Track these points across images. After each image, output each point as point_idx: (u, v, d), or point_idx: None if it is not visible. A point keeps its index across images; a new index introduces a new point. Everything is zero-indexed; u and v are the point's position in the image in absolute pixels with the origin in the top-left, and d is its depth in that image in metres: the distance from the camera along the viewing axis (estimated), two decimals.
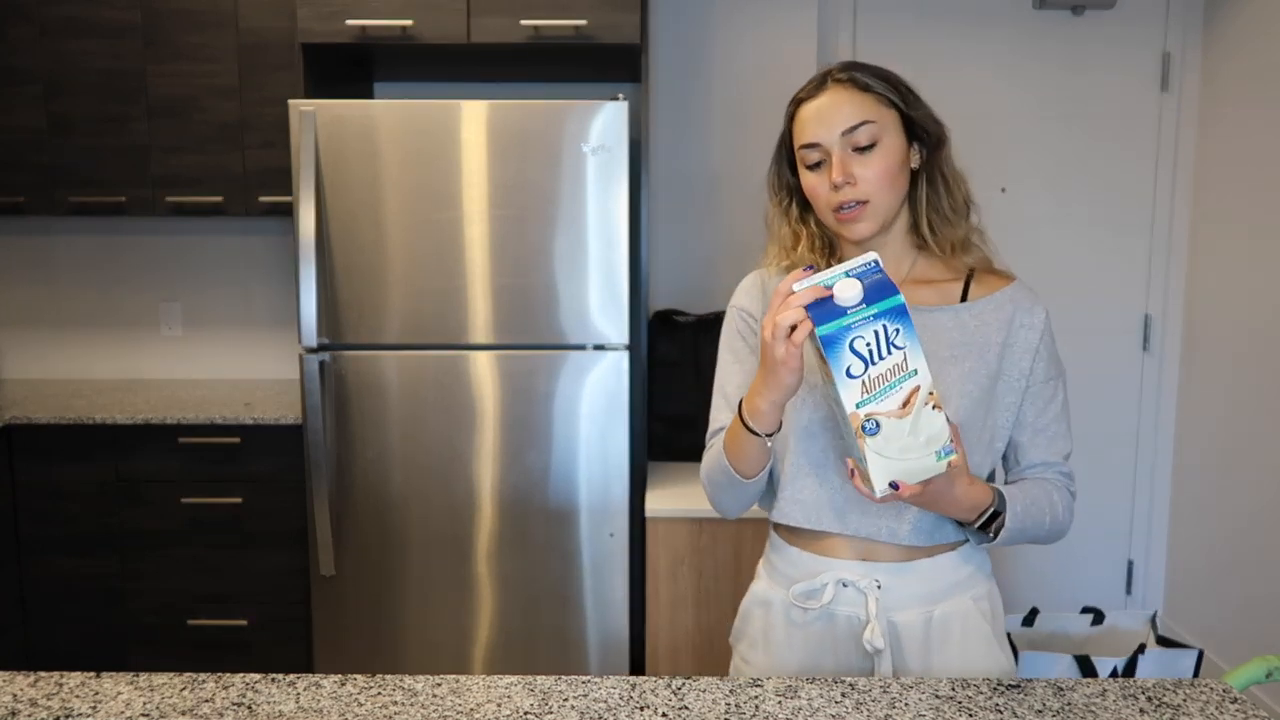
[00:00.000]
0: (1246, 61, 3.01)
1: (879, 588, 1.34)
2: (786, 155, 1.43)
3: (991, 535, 1.30)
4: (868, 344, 1.08)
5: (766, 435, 1.27)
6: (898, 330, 1.09)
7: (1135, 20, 3.25)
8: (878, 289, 1.09)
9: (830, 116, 1.32)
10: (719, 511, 1.46)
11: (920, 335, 1.25)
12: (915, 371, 1.09)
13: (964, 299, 1.38)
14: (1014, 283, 1.41)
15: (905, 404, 1.09)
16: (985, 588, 1.41)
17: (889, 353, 1.09)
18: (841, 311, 1.09)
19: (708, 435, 1.47)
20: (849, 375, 1.09)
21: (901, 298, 1.09)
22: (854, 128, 1.31)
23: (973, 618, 1.37)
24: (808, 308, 1.11)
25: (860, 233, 1.34)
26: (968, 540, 1.39)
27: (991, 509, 1.28)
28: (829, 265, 1.32)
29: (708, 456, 1.43)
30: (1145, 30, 3.26)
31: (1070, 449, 1.40)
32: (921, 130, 1.36)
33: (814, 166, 1.35)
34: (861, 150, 1.31)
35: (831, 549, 1.37)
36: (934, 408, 1.10)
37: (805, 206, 1.42)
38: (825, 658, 1.39)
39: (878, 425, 1.09)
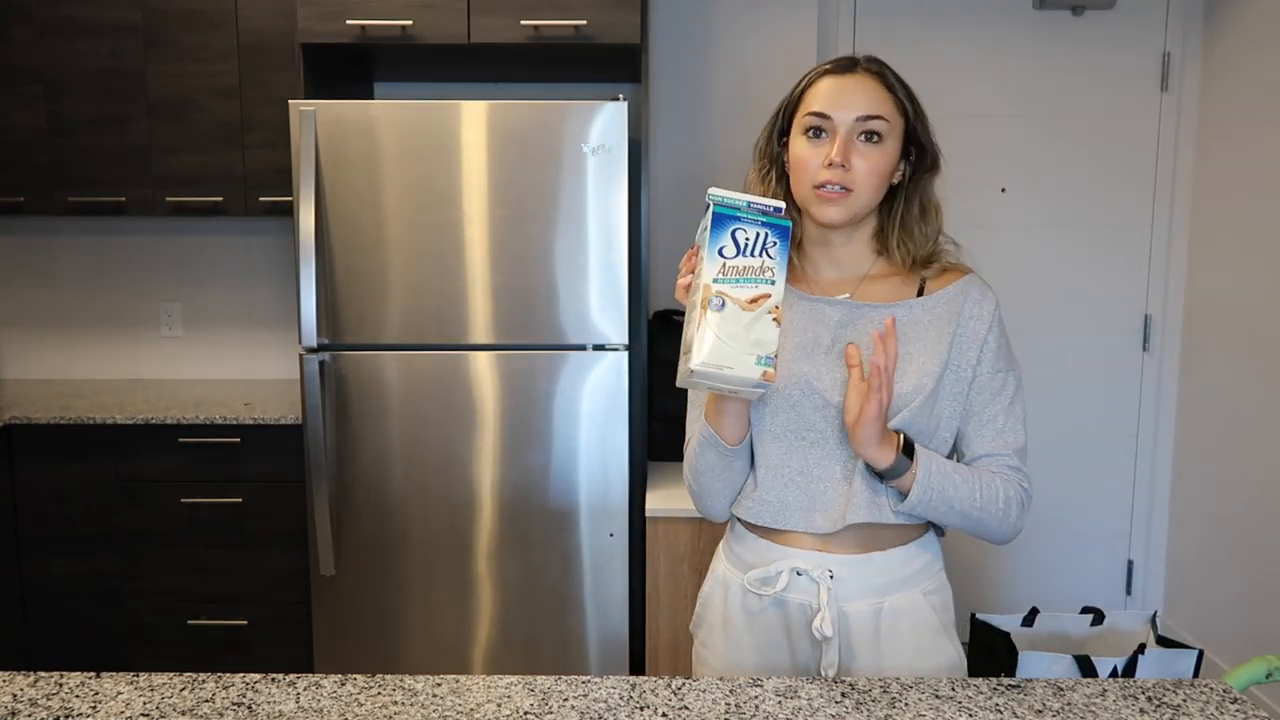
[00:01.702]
0: (1246, 61, 3.01)
1: (831, 577, 1.37)
2: (782, 123, 1.43)
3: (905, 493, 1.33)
4: (746, 239, 1.22)
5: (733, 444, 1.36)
6: (775, 245, 1.22)
7: (1135, 20, 3.25)
8: (775, 214, 1.24)
9: (852, 97, 1.34)
10: (706, 510, 1.47)
11: (873, 330, 1.34)
12: (773, 283, 1.22)
13: (920, 295, 1.40)
14: (967, 275, 1.42)
15: (752, 301, 1.21)
16: (937, 582, 1.43)
17: (758, 255, 1.22)
18: (741, 205, 1.24)
19: (685, 444, 1.50)
20: (720, 254, 1.22)
21: (789, 224, 1.24)
22: (870, 117, 1.33)
23: (922, 610, 1.39)
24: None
25: (831, 216, 1.35)
26: (924, 534, 1.42)
27: (902, 445, 1.30)
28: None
29: (687, 452, 1.47)
30: (1145, 30, 3.26)
31: (1022, 444, 1.39)
32: (917, 148, 1.38)
33: (813, 135, 1.35)
34: (867, 139, 1.34)
35: (791, 540, 1.40)
36: (775, 321, 1.21)
37: (782, 180, 1.43)
38: (779, 645, 1.42)
39: (723, 304, 1.20)
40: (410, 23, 2.68)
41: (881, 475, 1.33)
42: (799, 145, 1.37)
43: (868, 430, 1.27)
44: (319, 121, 2.57)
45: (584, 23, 2.66)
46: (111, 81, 2.97)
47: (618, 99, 2.58)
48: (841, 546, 1.37)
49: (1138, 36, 3.26)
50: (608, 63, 2.95)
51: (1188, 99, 3.26)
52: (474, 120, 2.58)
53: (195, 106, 2.98)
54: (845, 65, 1.38)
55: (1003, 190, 3.31)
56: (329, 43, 2.71)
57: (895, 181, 1.39)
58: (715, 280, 1.21)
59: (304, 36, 2.70)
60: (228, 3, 2.93)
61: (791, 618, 1.40)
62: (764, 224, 1.23)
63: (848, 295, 1.41)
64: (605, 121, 2.57)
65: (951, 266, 1.43)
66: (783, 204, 1.25)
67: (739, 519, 1.46)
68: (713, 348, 1.20)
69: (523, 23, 2.67)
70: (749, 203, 1.24)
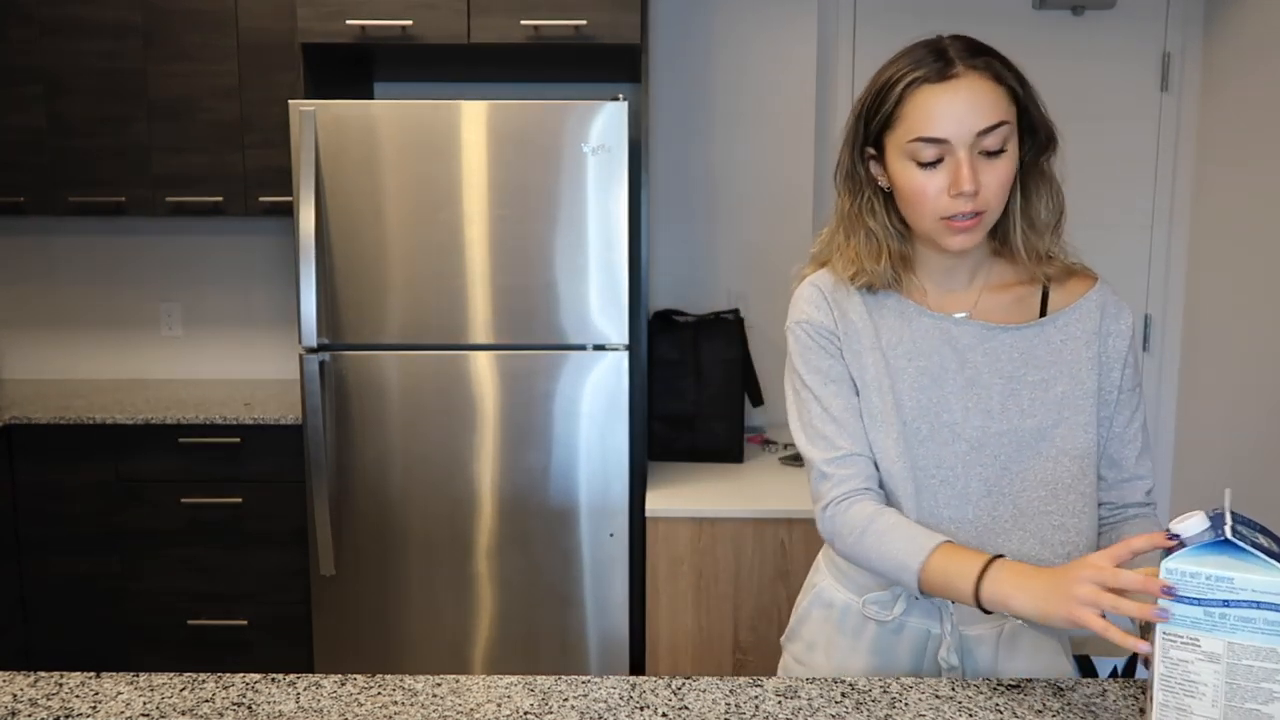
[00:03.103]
0: (1246, 61, 3.01)
1: (952, 604, 1.27)
2: (864, 139, 1.24)
3: None
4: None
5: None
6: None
7: (1135, 20, 3.25)
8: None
9: (966, 112, 1.15)
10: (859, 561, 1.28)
11: (1004, 356, 1.23)
12: None
13: (1044, 308, 1.27)
14: (1097, 285, 1.29)
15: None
16: None
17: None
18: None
19: (822, 463, 1.27)
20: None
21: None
22: (991, 128, 1.15)
23: (1040, 625, 1.26)
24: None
25: (967, 245, 1.20)
26: None
27: None
28: (904, 285, 1.27)
29: (866, 530, 1.23)
30: (1145, 30, 3.26)
31: (1151, 466, 1.32)
32: (1031, 127, 1.22)
33: (929, 164, 1.17)
34: (990, 154, 1.17)
35: None
36: None
37: (880, 198, 1.26)
38: (891, 668, 1.33)
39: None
40: (410, 23, 2.68)
41: None
42: (909, 174, 1.19)
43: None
44: (319, 121, 2.57)
45: (584, 23, 2.66)
46: (111, 81, 2.97)
47: (618, 99, 2.58)
48: None
49: (1138, 36, 3.26)
50: (608, 63, 2.95)
51: (1188, 99, 3.26)
52: (474, 120, 2.58)
53: (195, 106, 2.98)
54: (943, 68, 1.17)
55: None
56: (329, 43, 2.71)
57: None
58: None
59: (304, 36, 2.70)
60: (228, 3, 2.93)
61: (905, 641, 1.32)
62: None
63: (967, 314, 1.27)
64: (605, 121, 2.57)
65: (1074, 270, 1.29)
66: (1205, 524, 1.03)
67: None
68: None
69: (523, 23, 2.67)
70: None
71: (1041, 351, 1.25)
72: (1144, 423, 1.31)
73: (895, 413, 1.25)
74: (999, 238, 1.28)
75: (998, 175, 1.17)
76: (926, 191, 1.18)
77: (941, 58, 1.19)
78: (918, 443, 1.25)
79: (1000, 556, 1.15)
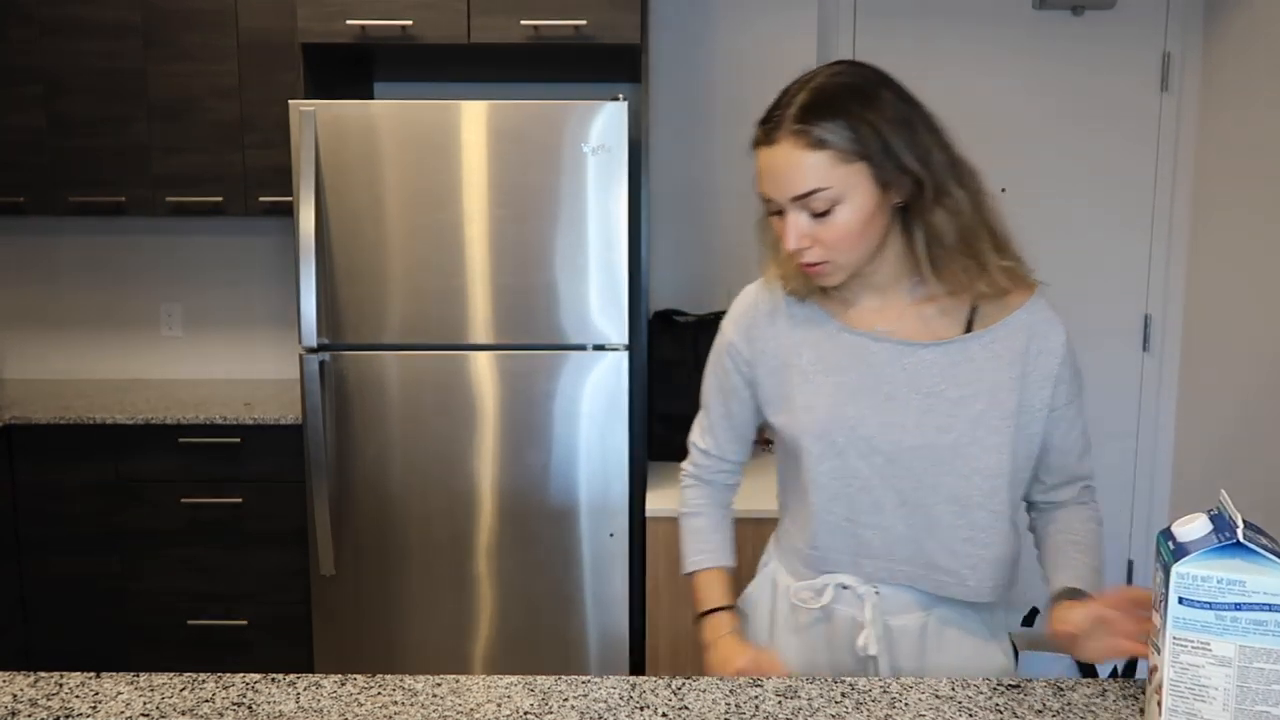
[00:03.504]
0: (1246, 61, 3.01)
1: (877, 594, 1.33)
2: None
3: None
4: None
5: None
6: None
7: (1135, 20, 3.25)
8: None
9: (779, 178, 1.18)
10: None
11: (922, 372, 1.25)
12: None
13: (971, 321, 1.27)
14: (1029, 301, 1.27)
15: None
16: None
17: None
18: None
19: (690, 444, 1.52)
20: None
21: None
22: (806, 195, 1.17)
23: (970, 618, 1.35)
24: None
25: (830, 284, 1.25)
26: None
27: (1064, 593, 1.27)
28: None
29: (681, 515, 1.52)
30: (1145, 30, 3.26)
31: (1092, 466, 1.37)
32: (897, 179, 1.19)
33: (775, 213, 1.23)
34: (816, 217, 1.18)
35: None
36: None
37: None
38: (822, 657, 1.38)
39: None
40: (410, 23, 2.68)
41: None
42: (773, 220, 1.25)
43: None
44: (319, 121, 2.57)
45: (584, 23, 2.66)
46: (111, 81, 2.97)
47: (618, 99, 2.58)
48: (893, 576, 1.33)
49: (1138, 36, 3.26)
50: (608, 63, 2.95)
51: (1188, 99, 3.26)
52: (474, 120, 2.58)
53: (195, 106, 2.98)
54: (768, 130, 1.19)
55: (1003, 190, 3.29)
56: (329, 43, 2.71)
57: (899, 202, 1.21)
58: None
59: (304, 36, 2.70)
60: (228, 3, 2.93)
61: (836, 630, 1.36)
62: None
63: (887, 330, 1.28)
64: (605, 121, 2.57)
65: (1015, 281, 1.26)
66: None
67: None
68: None
69: (523, 23, 2.67)
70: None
71: (962, 368, 1.26)
72: (1084, 428, 1.33)
73: (814, 424, 1.29)
74: (913, 260, 1.26)
75: (831, 233, 1.18)
76: (779, 237, 1.24)
77: (770, 119, 1.20)
78: (835, 454, 1.29)
79: (723, 609, 1.43)
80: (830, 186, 1.16)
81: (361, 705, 1.15)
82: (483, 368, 2.66)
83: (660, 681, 1.22)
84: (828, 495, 1.30)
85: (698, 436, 1.50)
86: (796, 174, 1.16)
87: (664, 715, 1.14)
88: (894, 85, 1.22)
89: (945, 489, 1.27)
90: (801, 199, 1.17)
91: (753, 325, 1.37)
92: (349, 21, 2.67)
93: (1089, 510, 1.37)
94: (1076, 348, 1.32)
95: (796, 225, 1.19)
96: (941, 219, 1.21)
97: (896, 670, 1.34)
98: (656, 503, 2.59)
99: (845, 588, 1.34)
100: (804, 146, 1.15)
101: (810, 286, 1.31)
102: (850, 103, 1.16)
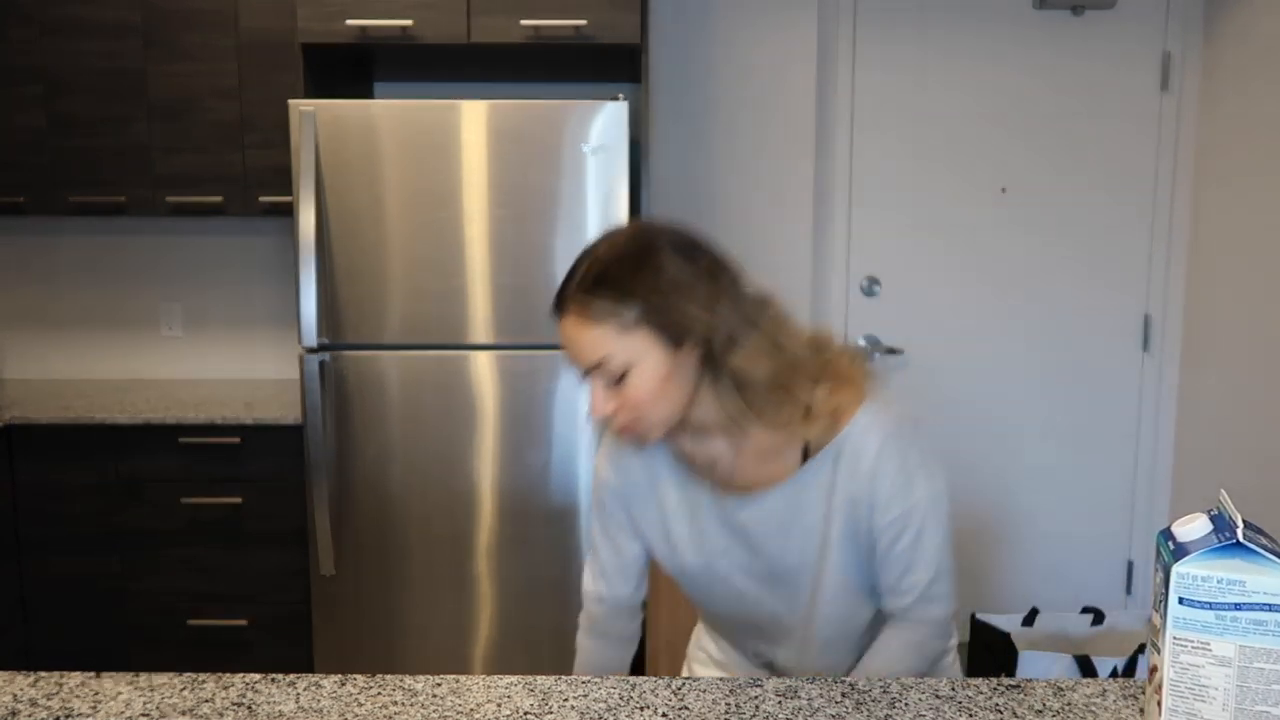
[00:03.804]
0: (1247, 61, 3.01)
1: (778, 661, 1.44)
2: None
3: None
4: None
5: None
6: None
7: (1135, 20, 3.25)
8: None
9: (570, 350, 1.20)
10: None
11: (765, 515, 1.29)
12: None
13: (805, 453, 1.27)
14: (853, 420, 1.24)
15: None
16: None
17: None
18: None
19: (584, 579, 1.49)
20: None
21: None
22: (595, 366, 1.18)
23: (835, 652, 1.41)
24: None
25: (650, 441, 1.25)
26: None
27: None
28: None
29: (577, 643, 1.51)
30: (1145, 30, 3.25)
31: (932, 573, 1.29)
32: (684, 337, 1.17)
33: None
34: (616, 381, 1.18)
35: None
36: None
37: None
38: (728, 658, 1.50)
39: None
40: (410, 23, 2.68)
41: None
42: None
43: None
44: (319, 121, 2.57)
45: (584, 23, 2.66)
46: (111, 81, 2.97)
47: (618, 99, 2.58)
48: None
49: (1138, 36, 3.25)
50: (608, 63, 2.95)
51: (1188, 98, 3.26)
52: (474, 120, 2.59)
53: (195, 106, 2.98)
54: (558, 304, 1.20)
55: (1003, 190, 3.31)
56: (329, 43, 2.71)
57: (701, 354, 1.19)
58: None
59: (304, 36, 2.70)
60: (228, 3, 2.93)
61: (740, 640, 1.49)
62: None
63: (727, 477, 1.30)
64: (605, 121, 2.57)
65: (839, 397, 1.24)
66: None
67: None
68: None
69: (523, 23, 2.67)
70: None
71: (785, 513, 1.29)
72: (913, 544, 1.27)
73: (674, 559, 1.37)
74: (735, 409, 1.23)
75: (631, 395, 1.18)
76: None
77: (560, 293, 1.20)
78: (699, 588, 1.39)
79: None
80: (616, 354, 1.17)
81: (361, 705, 1.15)
82: (483, 368, 2.66)
83: (660, 681, 1.22)
84: (704, 611, 1.47)
85: (589, 583, 1.46)
86: (583, 347, 1.18)
87: (664, 715, 1.14)
88: (679, 240, 1.21)
89: (804, 612, 1.35)
90: (595, 369, 1.18)
91: (621, 458, 1.38)
92: (349, 21, 2.67)
93: (904, 631, 1.33)
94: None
95: (597, 393, 1.20)
96: (742, 364, 1.19)
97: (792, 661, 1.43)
98: None
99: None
100: (586, 321, 1.17)
101: (650, 438, 1.27)
102: (625, 273, 1.17)
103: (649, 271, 1.17)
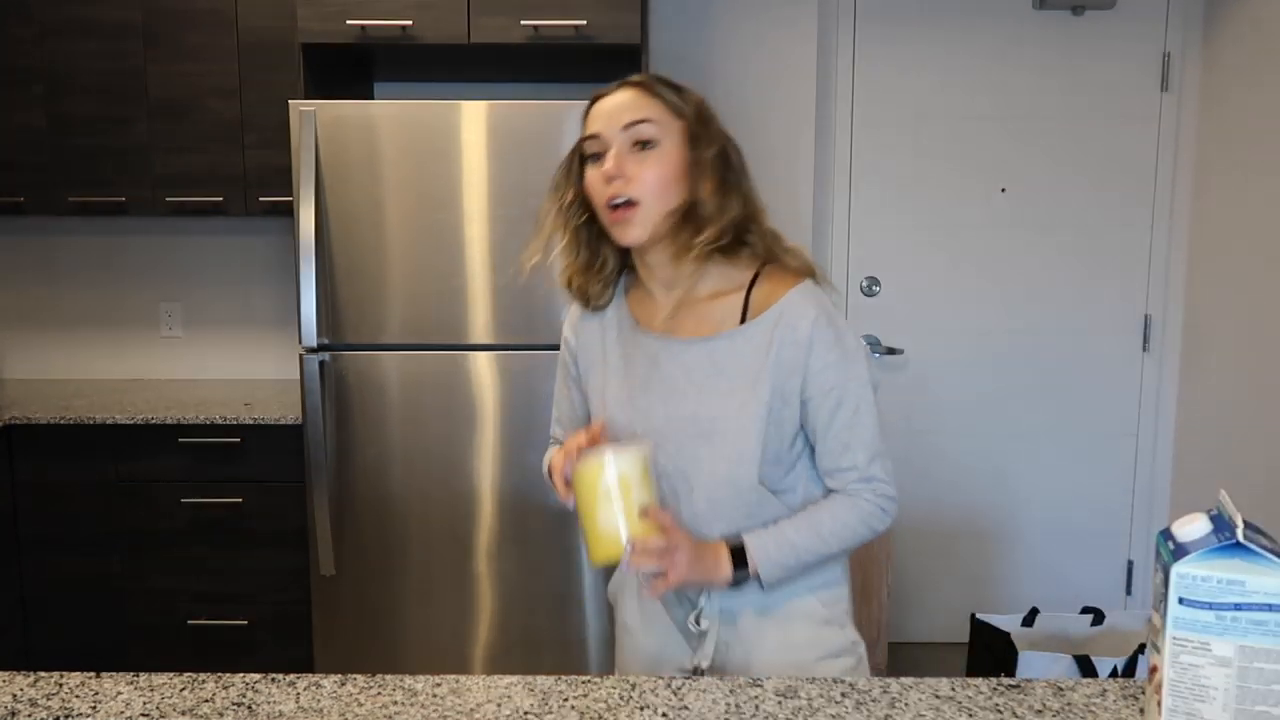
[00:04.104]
0: (1247, 61, 3.01)
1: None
2: (580, 157, 1.41)
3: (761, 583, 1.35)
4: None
5: None
6: None
7: (1135, 20, 3.25)
8: None
9: (616, 111, 1.35)
10: None
11: (695, 366, 1.37)
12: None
13: (745, 314, 1.36)
14: (792, 290, 1.36)
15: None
16: (825, 578, 1.43)
17: None
18: None
19: (550, 435, 1.64)
20: None
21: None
22: (635, 122, 1.33)
23: (810, 603, 1.41)
24: None
25: (630, 238, 1.34)
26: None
27: (745, 572, 1.34)
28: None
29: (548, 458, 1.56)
30: (1145, 30, 3.26)
31: (870, 454, 1.36)
32: (705, 145, 1.36)
33: (595, 159, 1.36)
34: (641, 147, 1.33)
35: None
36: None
37: (585, 211, 1.41)
38: (665, 628, 1.47)
39: None
40: (410, 23, 2.68)
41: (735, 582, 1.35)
42: (588, 173, 1.37)
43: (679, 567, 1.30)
44: (319, 121, 2.57)
45: (584, 23, 2.67)
46: (112, 81, 2.97)
47: None
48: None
49: (1138, 36, 3.26)
50: (608, 63, 2.94)
51: (1188, 99, 3.26)
52: (474, 120, 2.59)
53: (195, 106, 2.98)
54: (615, 87, 1.38)
55: (1003, 190, 3.31)
56: (329, 43, 2.71)
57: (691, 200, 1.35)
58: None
59: (304, 36, 2.70)
60: (228, 3, 2.93)
61: (677, 612, 1.45)
62: None
63: (672, 328, 1.40)
64: None
65: (783, 276, 1.38)
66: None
67: None
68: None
69: (523, 23, 2.67)
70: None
71: (729, 361, 1.35)
72: (850, 420, 1.35)
73: (605, 410, 1.43)
74: (694, 226, 1.35)
75: (648, 167, 1.33)
76: (594, 183, 1.36)
77: (620, 83, 1.39)
78: (618, 434, 1.42)
79: None
80: (655, 121, 1.34)
81: (361, 705, 1.15)
82: (483, 368, 2.66)
83: (660, 681, 1.22)
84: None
85: (554, 427, 1.63)
86: (631, 107, 1.35)
87: (664, 715, 1.14)
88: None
89: (721, 474, 1.36)
90: (630, 126, 1.33)
91: (580, 322, 1.52)
92: (349, 21, 2.67)
93: (848, 498, 1.38)
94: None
95: (619, 155, 1.33)
96: (720, 206, 1.35)
97: (723, 651, 1.41)
98: None
99: None
100: (645, 93, 1.36)
101: (600, 297, 1.46)
102: (688, 89, 1.40)
103: (705, 104, 1.41)
